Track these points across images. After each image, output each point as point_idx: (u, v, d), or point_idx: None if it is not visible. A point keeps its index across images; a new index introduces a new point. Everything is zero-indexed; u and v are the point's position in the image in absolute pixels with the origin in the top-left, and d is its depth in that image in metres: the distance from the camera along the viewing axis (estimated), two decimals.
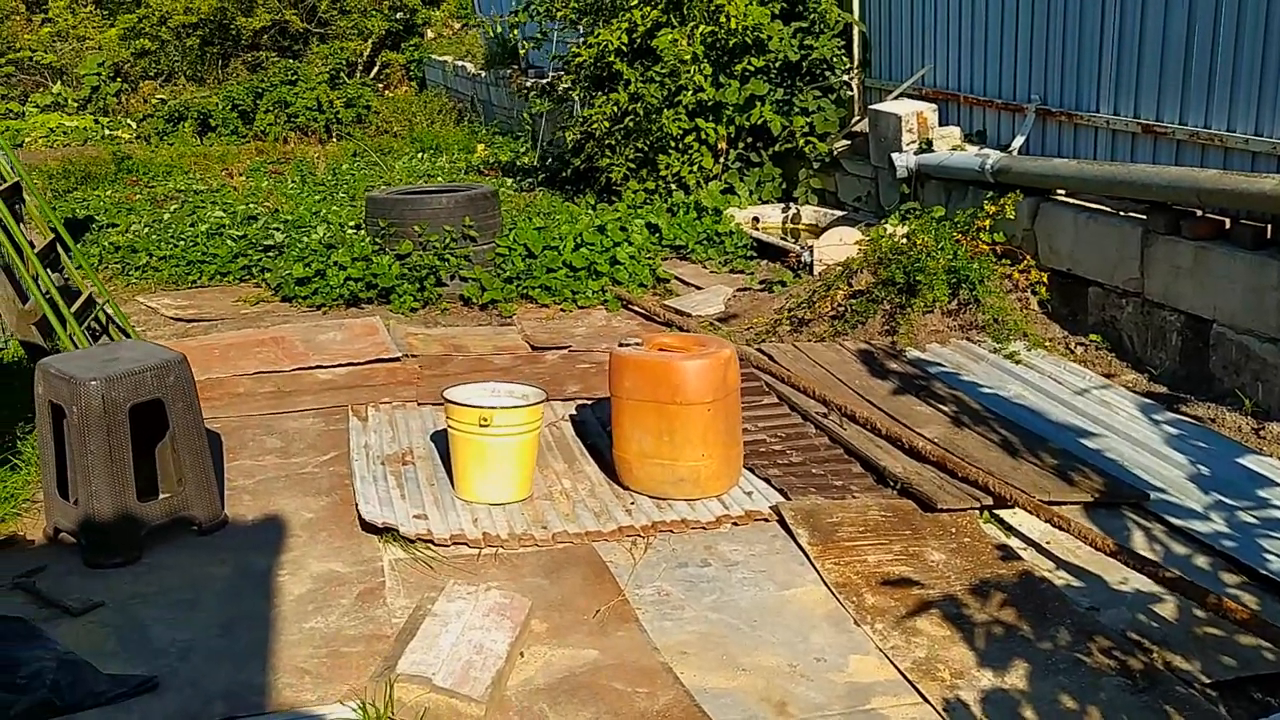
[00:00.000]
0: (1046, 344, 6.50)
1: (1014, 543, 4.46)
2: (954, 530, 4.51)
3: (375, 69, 21.40)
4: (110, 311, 6.63)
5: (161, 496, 4.51)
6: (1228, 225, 5.79)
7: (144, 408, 4.35)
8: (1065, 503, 4.60)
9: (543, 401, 4.91)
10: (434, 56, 19.84)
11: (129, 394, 4.23)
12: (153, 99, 19.91)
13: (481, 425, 4.68)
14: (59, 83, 21.56)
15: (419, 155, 14.19)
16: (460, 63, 18.07)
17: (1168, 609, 3.95)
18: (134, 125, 18.82)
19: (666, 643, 3.79)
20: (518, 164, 12.64)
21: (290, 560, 4.33)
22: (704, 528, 4.59)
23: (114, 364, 4.32)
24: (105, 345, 5.35)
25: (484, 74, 16.49)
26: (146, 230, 9.56)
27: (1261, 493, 4.72)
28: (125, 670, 3.61)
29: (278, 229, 9.09)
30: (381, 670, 3.40)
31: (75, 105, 20.51)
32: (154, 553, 4.37)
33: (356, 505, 4.66)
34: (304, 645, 3.76)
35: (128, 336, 6.50)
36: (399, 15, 21.52)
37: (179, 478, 4.48)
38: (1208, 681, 3.53)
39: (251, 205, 10.27)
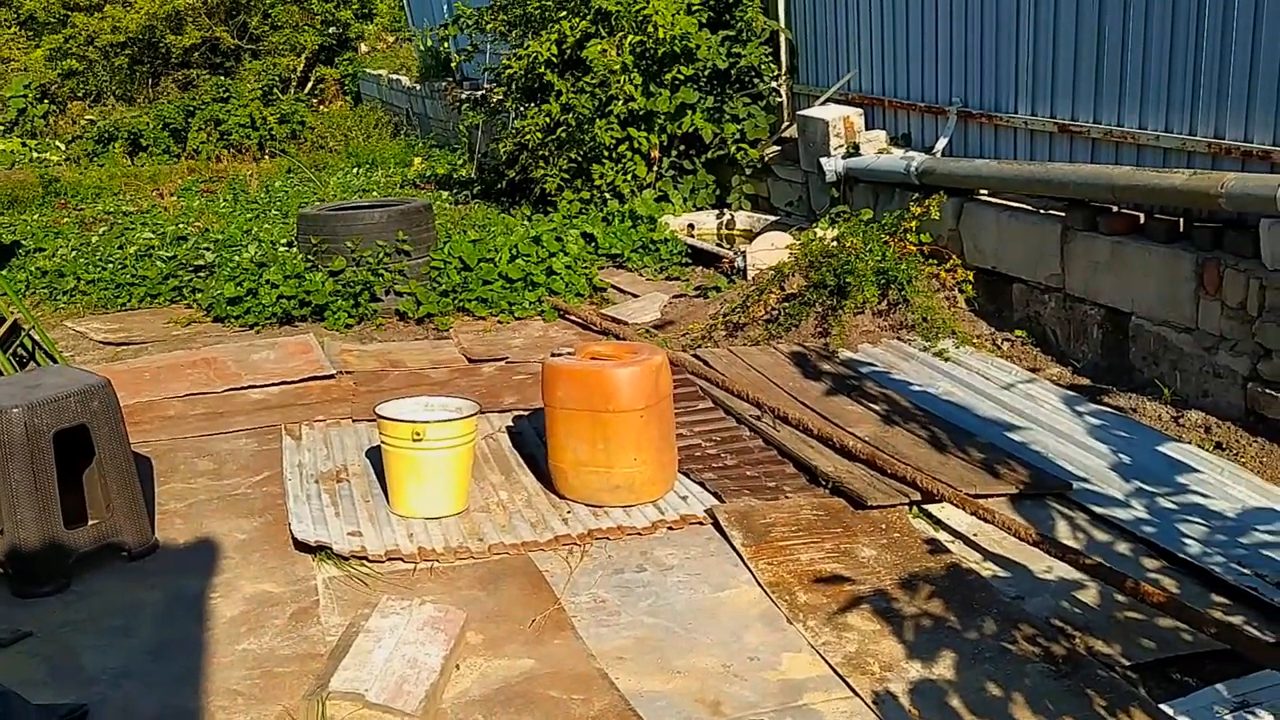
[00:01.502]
0: (974, 341, 6.63)
1: (942, 536, 4.55)
2: (884, 526, 4.59)
3: (310, 84, 21.21)
4: (36, 337, 6.54)
5: (90, 523, 4.45)
6: (1142, 220, 5.96)
7: (70, 434, 4.31)
8: (991, 495, 4.71)
9: (477, 414, 4.92)
10: (369, 70, 19.73)
11: (52, 420, 4.18)
12: (82, 120, 19.56)
13: (415, 440, 4.68)
14: None
15: (354, 170, 14.11)
16: (395, 76, 17.99)
17: (1090, 595, 4.06)
18: (63, 147, 18.46)
19: (602, 649, 3.82)
20: (454, 177, 12.62)
21: (223, 583, 4.30)
22: (640, 533, 4.63)
23: (36, 390, 4.26)
24: (29, 372, 5.27)
25: (419, 87, 16.44)
26: (74, 254, 9.42)
27: (1180, 479, 4.87)
28: (56, 700, 3.56)
29: (208, 249, 9.00)
30: (314, 689, 3.39)
31: (1, 129, 20.10)
32: (84, 580, 4.32)
33: (289, 525, 4.64)
34: (237, 667, 3.73)
35: (55, 362, 6.40)
36: (332, 30, 21.37)
37: (107, 503, 4.43)
38: (1128, 664, 3.64)
39: (182, 225, 10.15)
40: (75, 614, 4.10)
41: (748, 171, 9.44)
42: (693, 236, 9.33)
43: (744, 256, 7.98)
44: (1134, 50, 5.96)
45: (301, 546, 4.49)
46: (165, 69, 21.44)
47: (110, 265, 8.96)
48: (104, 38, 20.27)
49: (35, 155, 17.83)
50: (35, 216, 11.73)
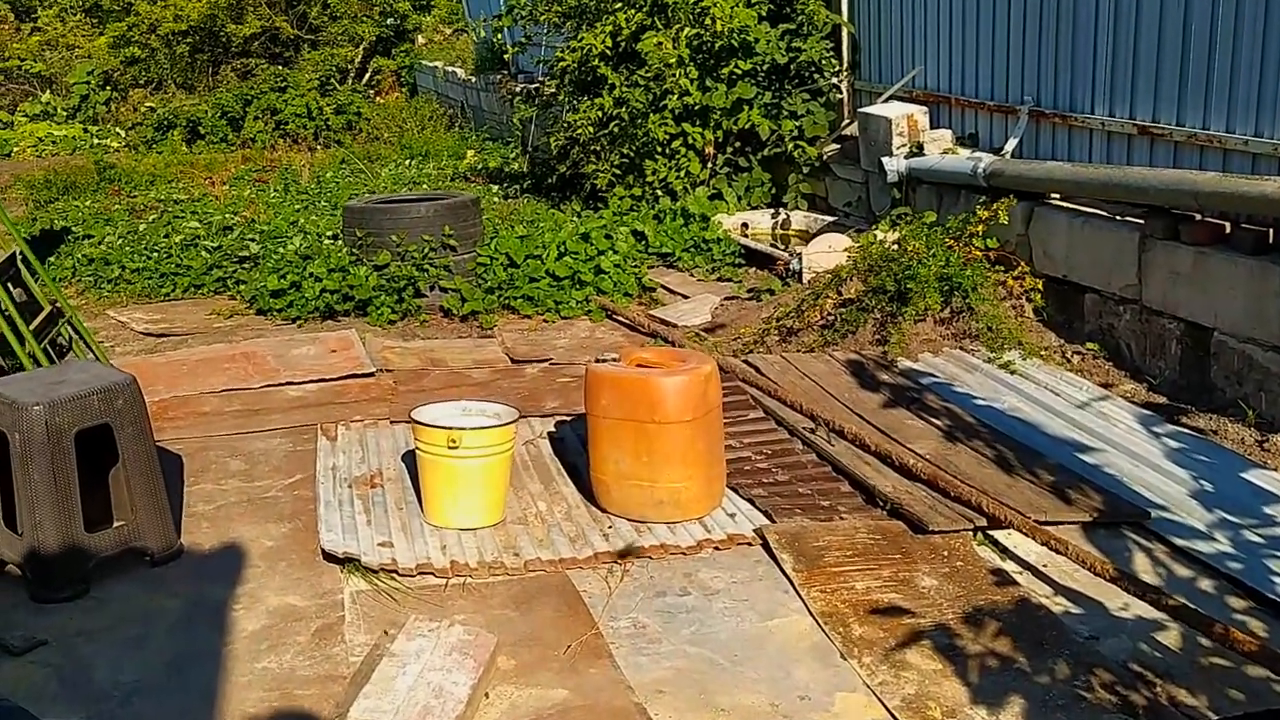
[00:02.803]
0: (1042, 353, 6.29)
1: (1009, 566, 4.24)
2: (946, 553, 4.29)
3: (367, 75, 21.21)
4: (75, 325, 6.43)
5: (114, 526, 4.29)
6: (1228, 230, 5.58)
7: (97, 432, 4.14)
8: (1062, 522, 4.40)
9: (516, 420, 4.69)
10: (425, 62, 19.64)
11: (74, 419, 4.02)
12: (142, 107, 19.71)
13: (450, 447, 4.47)
14: (48, 92, 21.37)
15: (407, 162, 13.98)
16: (451, 68, 17.87)
17: (1171, 638, 3.73)
18: (123, 134, 18.61)
19: (641, 680, 3.57)
20: (506, 170, 12.44)
21: (246, 593, 4.12)
22: (684, 553, 4.37)
23: (59, 387, 4.10)
24: (55, 367, 5.13)
25: (475, 79, 16.29)
26: (120, 241, 9.35)
27: (1267, 510, 4.51)
28: (63, 716, 3.39)
29: (253, 240, 8.88)
30: (332, 719, 3.18)
31: (64, 114, 20.32)
32: (104, 585, 4.15)
33: (319, 533, 4.44)
34: (254, 687, 3.54)
35: (92, 352, 6.29)
36: (390, 21, 21.35)
37: (131, 506, 4.26)
38: (1215, 718, 3.32)
39: (229, 215, 10.06)
40: (92, 622, 3.94)
41: (805, 170, 9.14)
42: (746, 236, 9.05)
43: (800, 258, 7.69)
44: (1222, 48, 5.59)
45: (330, 557, 4.30)
46: (225, 58, 21.57)
47: (155, 254, 8.87)
48: (166, 26, 20.42)
49: (96, 141, 17.98)
50: (88, 203, 11.71)
